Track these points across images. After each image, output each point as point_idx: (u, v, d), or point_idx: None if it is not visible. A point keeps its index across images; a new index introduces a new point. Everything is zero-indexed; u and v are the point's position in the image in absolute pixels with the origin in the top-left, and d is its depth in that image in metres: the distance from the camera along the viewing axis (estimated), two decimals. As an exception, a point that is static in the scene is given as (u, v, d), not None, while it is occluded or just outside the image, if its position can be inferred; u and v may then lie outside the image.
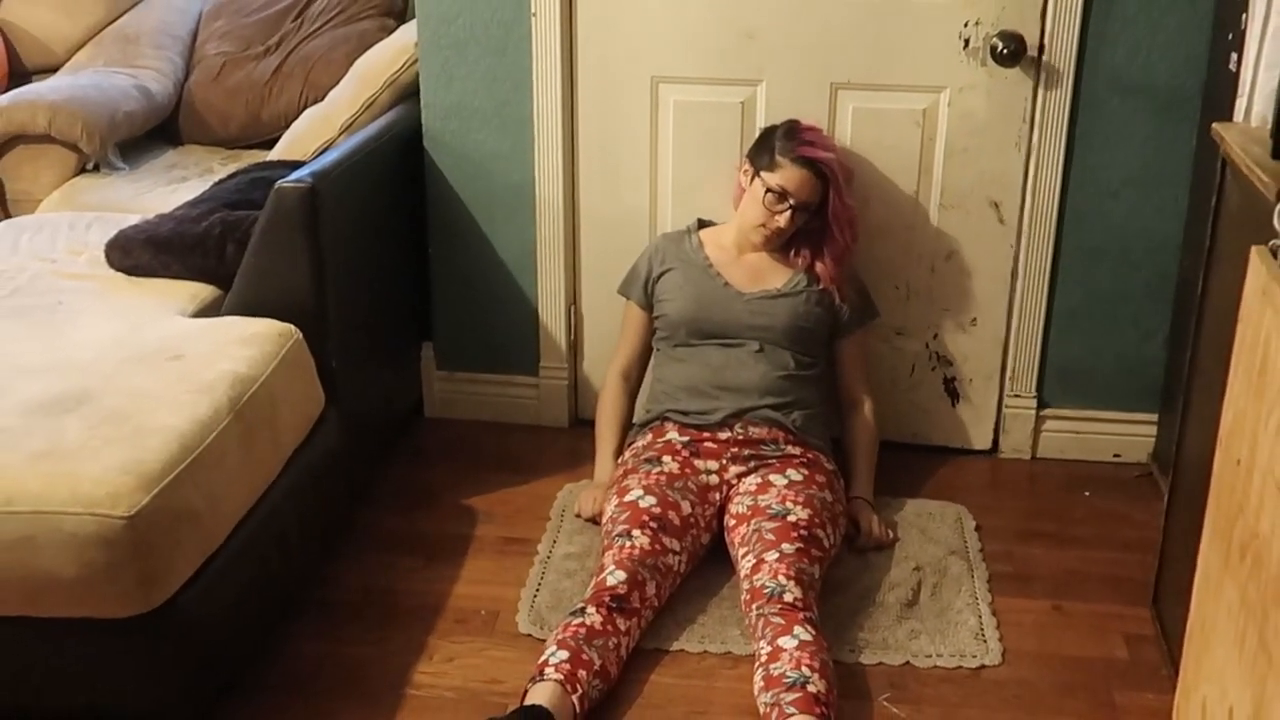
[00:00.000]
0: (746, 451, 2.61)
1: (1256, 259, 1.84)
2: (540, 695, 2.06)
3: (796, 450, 2.62)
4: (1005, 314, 2.98)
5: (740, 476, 2.59)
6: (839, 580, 2.53)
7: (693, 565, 2.50)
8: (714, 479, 2.59)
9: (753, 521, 2.45)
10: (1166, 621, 2.37)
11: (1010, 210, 2.90)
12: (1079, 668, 2.34)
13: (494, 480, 2.92)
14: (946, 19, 2.78)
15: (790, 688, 2.08)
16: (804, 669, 2.11)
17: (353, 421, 2.66)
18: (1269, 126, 1.99)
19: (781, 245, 2.76)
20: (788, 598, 2.26)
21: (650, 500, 2.47)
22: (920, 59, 2.82)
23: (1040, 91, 2.80)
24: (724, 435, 2.63)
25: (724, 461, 2.61)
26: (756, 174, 2.70)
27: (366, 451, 2.85)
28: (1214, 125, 2.19)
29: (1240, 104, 2.20)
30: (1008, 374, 3.06)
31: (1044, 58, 2.76)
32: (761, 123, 2.88)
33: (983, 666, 2.31)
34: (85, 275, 2.69)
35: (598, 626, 2.21)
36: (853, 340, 2.84)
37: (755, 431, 2.63)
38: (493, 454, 3.03)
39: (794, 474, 2.56)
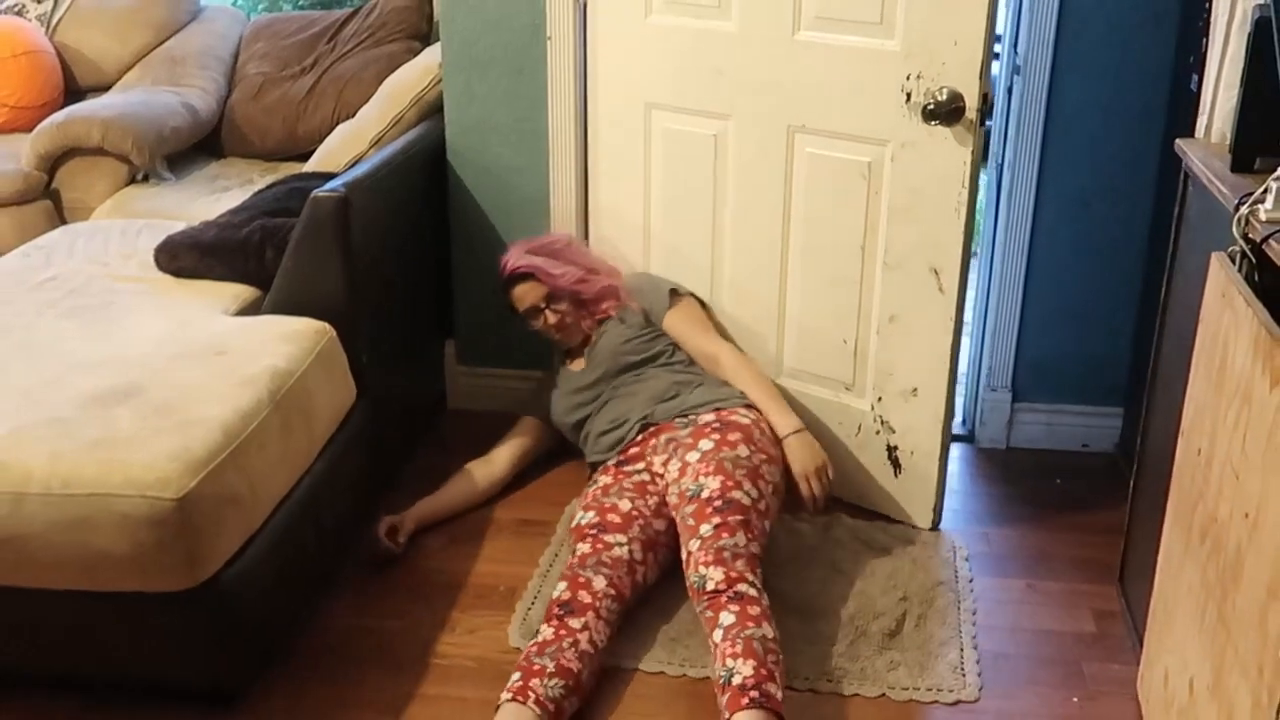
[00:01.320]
0: (664, 437, 2.54)
1: (1216, 265, 1.84)
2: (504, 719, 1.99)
3: (709, 416, 2.52)
4: (945, 390, 2.57)
5: (665, 464, 2.50)
6: (824, 606, 2.39)
7: (652, 551, 2.38)
8: (645, 475, 2.53)
9: (680, 510, 2.36)
10: (1131, 598, 2.37)
11: (950, 279, 2.49)
12: (1051, 640, 2.34)
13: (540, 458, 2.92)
14: (890, 70, 2.44)
15: (722, 688, 1.99)
16: (727, 661, 2.01)
17: (381, 412, 2.66)
18: (1228, 143, 1.99)
19: (569, 338, 2.82)
20: (709, 586, 2.15)
21: (589, 515, 2.41)
22: (867, 110, 2.50)
23: (975, 156, 2.41)
24: (639, 438, 2.59)
25: (648, 458, 2.55)
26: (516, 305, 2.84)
27: (394, 440, 2.86)
28: (1177, 141, 2.19)
29: (1201, 122, 2.19)
30: (984, 369, 3.06)
31: (981, 118, 2.38)
32: (732, 158, 2.73)
33: (959, 702, 2.15)
34: (136, 277, 2.69)
35: (549, 638, 2.12)
36: (670, 319, 2.75)
37: (664, 421, 2.59)
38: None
39: (705, 444, 2.43)
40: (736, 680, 1.97)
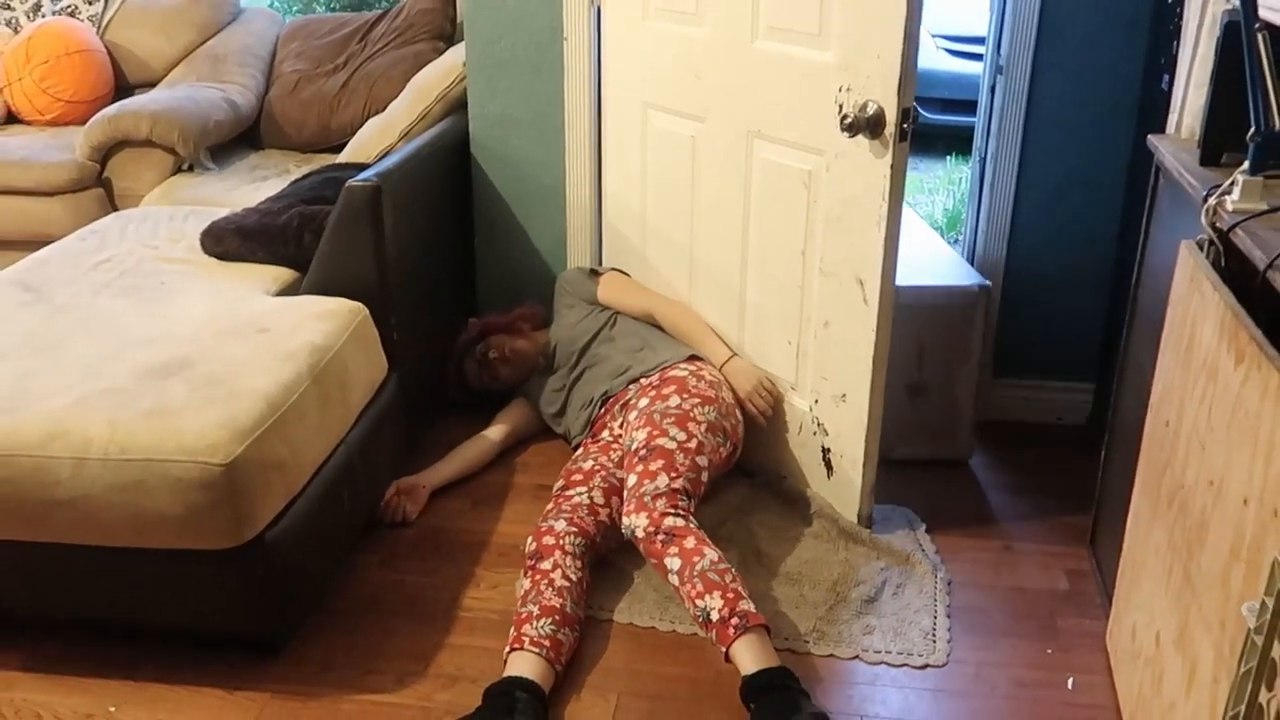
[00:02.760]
0: (620, 404, 2.60)
1: (1186, 252, 1.84)
2: (506, 671, 2.01)
3: (654, 378, 2.57)
4: (869, 398, 2.42)
5: (620, 426, 2.57)
6: (811, 574, 2.36)
7: (616, 496, 2.38)
8: (608, 437, 2.59)
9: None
10: (1102, 559, 2.38)
11: (873, 291, 2.33)
12: (1026, 597, 2.35)
13: (529, 436, 2.93)
14: (826, 81, 2.30)
15: (705, 626, 2.03)
16: (697, 602, 2.03)
17: (410, 385, 2.67)
18: (1198, 138, 1.98)
19: (519, 361, 2.87)
20: (639, 534, 2.17)
21: (559, 482, 2.45)
22: (809, 119, 2.37)
23: (894, 172, 2.22)
24: (602, 411, 2.65)
25: (609, 424, 2.61)
26: (498, 386, 2.92)
27: (421, 410, 2.86)
28: (1149, 137, 2.18)
29: (1172, 119, 2.18)
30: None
31: (896, 134, 2.19)
32: (704, 159, 2.66)
33: (926, 665, 2.13)
34: (183, 260, 2.70)
35: (528, 587, 2.15)
36: (602, 294, 2.82)
37: (619, 391, 2.63)
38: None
39: (643, 401, 2.49)
40: (714, 616, 2.01)
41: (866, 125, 2.21)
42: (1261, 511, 1.40)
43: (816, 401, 2.56)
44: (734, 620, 1.99)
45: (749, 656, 1.97)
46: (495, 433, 2.83)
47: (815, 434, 2.59)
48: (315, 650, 2.17)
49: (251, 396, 2.02)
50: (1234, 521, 1.49)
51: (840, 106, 2.28)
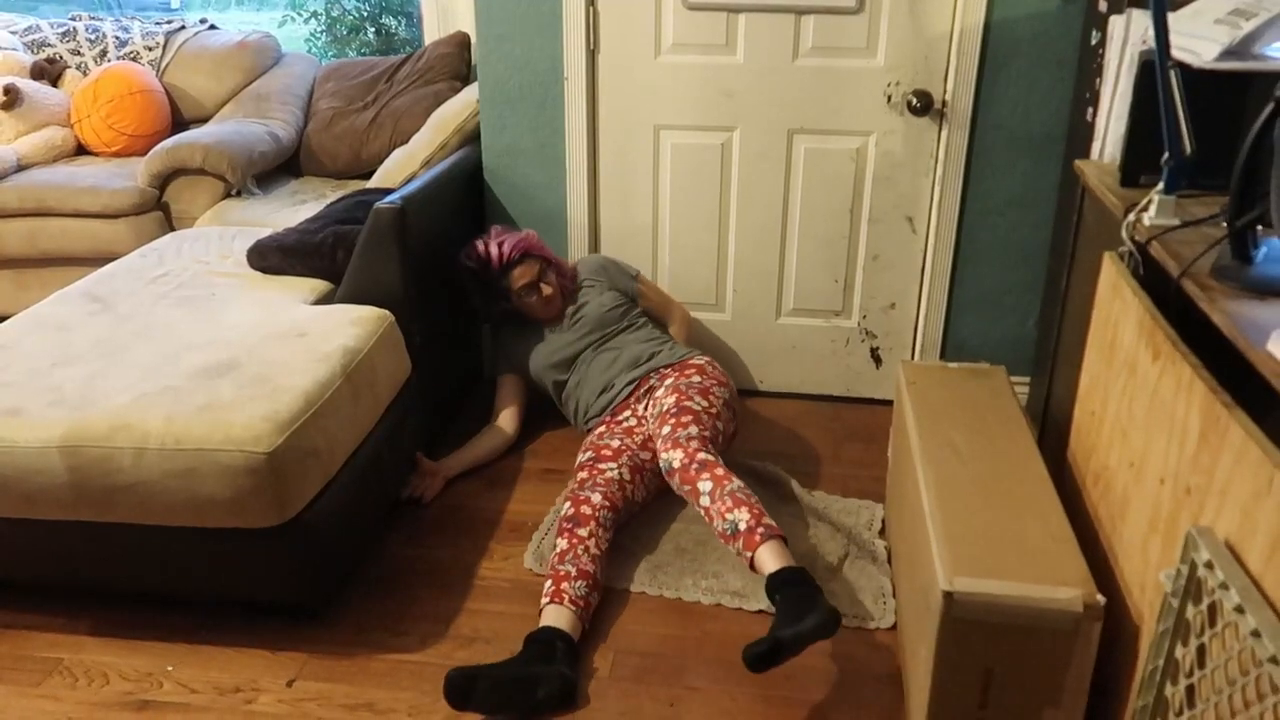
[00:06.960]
0: (644, 389, 2.59)
1: (1108, 262, 1.83)
2: (544, 620, 2.01)
3: (675, 366, 2.61)
4: (916, 301, 2.97)
5: (645, 408, 2.56)
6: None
7: (639, 474, 2.39)
8: (631, 420, 2.57)
9: (653, 429, 2.42)
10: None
11: (920, 223, 2.89)
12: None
13: (537, 426, 2.92)
14: (874, 80, 2.75)
15: (732, 537, 2.04)
16: (726, 516, 2.05)
17: (430, 383, 2.66)
18: (1118, 163, 1.98)
19: (553, 305, 2.73)
20: (675, 465, 2.20)
21: (587, 454, 2.43)
22: (855, 111, 2.79)
23: (944, 135, 2.77)
24: (627, 397, 2.62)
25: (633, 407, 2.59)
26: (507, 297, 2.72)
27: (441, 405, 2.85)
28: (1076, 162, 2.18)
29: (1096, 146, 2.18)
30: (918, 346, 3.05)
31: (947, 110, 2.74)
32: (737, 158, 2.90)
33: (877, 629, 2.10)
34: (232, 274, 2.68)
35: (564, 547, 2.14)
36: (643, 290, 2.85)
37: (642, 378, 2.62)
38: (536, 407, 3.02)
39: (669, 381, 2.54)
40: (743, 526, 2.03)
41: (920, 107, 2.72)
42: (1176, 489, 1.40)
43: (865, 316, 3.00)
44: (760, 529, 2.02)
45: (771, 559, 1.98)
46: (506, 422, 2.80)
47: (863, 341, 3.03)
48: (348, 615, 2.17)
49: (291, 393, 2.01)
50: (1152, 498, 1.48)
51: (889, 97, 2.75)
